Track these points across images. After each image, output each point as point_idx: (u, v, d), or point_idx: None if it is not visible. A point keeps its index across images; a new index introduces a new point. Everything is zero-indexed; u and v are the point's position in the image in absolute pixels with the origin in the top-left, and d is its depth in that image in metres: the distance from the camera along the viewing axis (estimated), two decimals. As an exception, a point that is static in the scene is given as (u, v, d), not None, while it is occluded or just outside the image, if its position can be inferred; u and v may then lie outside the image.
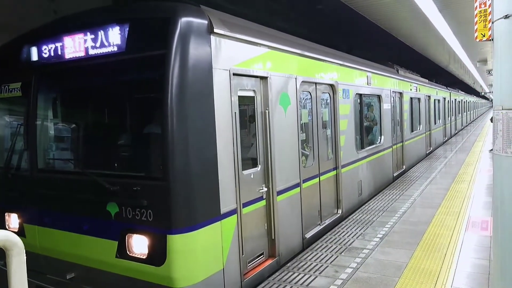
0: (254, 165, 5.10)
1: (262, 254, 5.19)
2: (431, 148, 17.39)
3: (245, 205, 4.79)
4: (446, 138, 21.99)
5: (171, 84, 3.79)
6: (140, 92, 4.36)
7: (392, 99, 11.41)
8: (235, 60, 4.61)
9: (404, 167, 12.59)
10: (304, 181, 6.20)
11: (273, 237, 5.29)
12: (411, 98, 13.70)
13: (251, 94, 5.06)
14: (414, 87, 14.07)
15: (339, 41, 13.08)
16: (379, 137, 10.32)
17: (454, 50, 18.39)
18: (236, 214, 4.53)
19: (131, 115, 4.53)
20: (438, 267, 5.18)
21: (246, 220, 4.79)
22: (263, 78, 5.20)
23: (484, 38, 3.74)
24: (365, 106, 9.55)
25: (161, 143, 3.84)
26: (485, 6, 3.73)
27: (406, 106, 12.89)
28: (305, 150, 6.53)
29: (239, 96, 4.73)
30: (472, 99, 44.73)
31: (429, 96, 16.68)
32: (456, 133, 27.07)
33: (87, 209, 4.39)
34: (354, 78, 8.38)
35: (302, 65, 6.20)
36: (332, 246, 6.15)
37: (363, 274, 5.11)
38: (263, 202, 5.19)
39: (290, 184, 5.73)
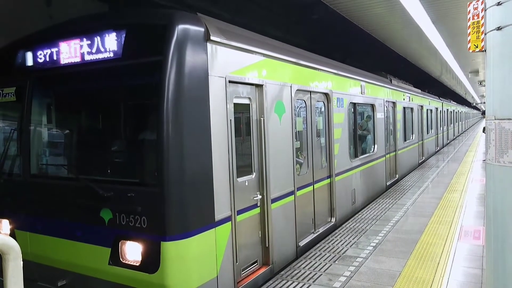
0: (249, 172, 5.10)
1: (256, 262, 5.17)
2: (424, 158, 17.51)
3: (240, 212, 4.78)
4: (438, 148, 22.18)
5: (167, 90, 3.79)
6: (135, 98, 4.35)
7: (385, 108, 11.50)
8: (231, 67, 4.63)
9: (397, 176, 12.66)
10: (298, 189, 6.21)
11: (267, 245, 5.28)
12: (404, 108, 13.82)
13: (246, 101, 5.08)
14: (407, 97, 14.20)
15: (334, 50, 13.22)
16: (373, 146, 10.38)
17: (446, 61, 18.64)
18: (230, 222, 4.52)
19: (126, 121, 4.52)
20: (431, 276, 5.20)
21: (240, 228, 4.78)
22: (259, 86, 5.22)
23: (477, 49, 3.79)
24: (359, 115, 9.61)
25: (156, 150, 3.83)
26: (478, 18, 3.78)
27: (399, 116, 13.00)
28: (299, 158, 6.55)
29: (234, 104, 4.74)
30: (463, 109, 45.21)
31: (421, 106, 16.84)
32: (448, 143, 27.30)
33: (80, 216, 4.35)
34: (348, 87, 8.45)
35: (297, 74, 6.24)
36: (325, 254, 6.14)
37: (357, 283, 5.11)
38: (257, 210, 5.18)
39: (284, 192, 5.73)
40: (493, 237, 3.44)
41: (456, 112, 33.91)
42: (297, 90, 6.17)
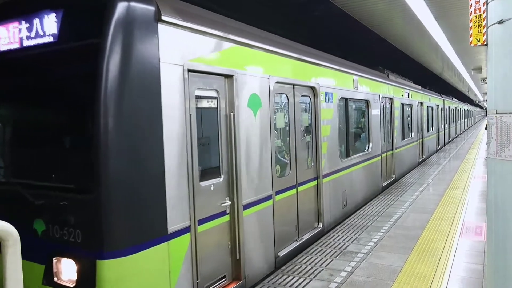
0: (216, 175, 4.47)
1: (224, 277, 4.54)
2: (424, 156, 16.83)
3: (203, 221, 4.16)
4: (439, 146, 21.47)
5: (105, 78, 3.18)
6: (71, 89, 3.71)
7: (382, 104, 10.86)
8: (191, 54, 4.00)
9: (395, 176, 12.00)
10: (278, 192, 5.58)
11: (237, 257, 4.65)
12: (403, 105, 13.16)
13: (212, 94, 4.45)
14: (405, 93, 13.54)
15: (333, 46, 12.70)
16: (367, 145, 9.73)
17: (448, 57, 18.11)
18: (189, 233, 3.89)
19: (62, 115, 3.87)
20: (433, 271, 5.13)
21: (204, 239, 4.16)
22: (228, 77, 4.59)
23: (479, 43, 3.81)
24: (351, 111, 8.96)
25: (91, 150, 3.22)
26: (480, 11, 3.78)
27: (397, 113, 12.34)
28: (280, 158, 5.93)
29: (197, 96, 4.12)
30: (466, 107, 44.43)
31: (421, 103, 16.16)
32: (450, 141, 26.59)
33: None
34: (339, 81, 7.80)
35: (276, 64, 5.60)
36: (327, 249, 5.86)
37: (358, 278, 4.97)
38: (226, 218, 4.55)
39: (260, 197, 5.10)
40: (494, 232, 3.42)
41: (458, 109, 33.16)
42: (276, 82, 5.54)
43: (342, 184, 7.89)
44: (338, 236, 6.65)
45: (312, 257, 5.73)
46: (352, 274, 5.11)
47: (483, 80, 28.14)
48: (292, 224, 6.08)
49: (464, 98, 50.00)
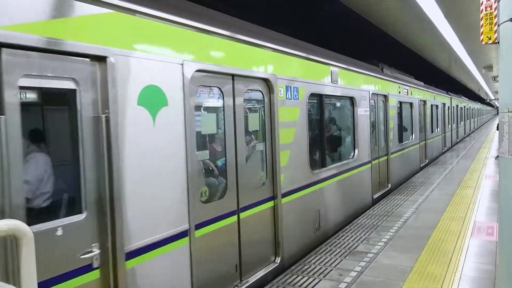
0: (71, 210, 2.90)
1: None
2: (427, 161, 15.08)
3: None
4: (446, 148, 19.66)
5: None
6: None
7: (373, 102, 9.23)
8: (5, 18, 2.45)
9: (390, 185, 10.33)
10: (202, 225, 4.00)
11: (116, 331, 3.08)
12: (400, 103, 11.49)
13: (67, 85, 2.87)
14: (404, 90, 11.85)
15: (328, 38, 11.37)
16: (352, 151, 8.09)
17: (458, 55, 16.78)
18: None
19: None
20: (443, 271, 5.04)
21: None
22: (99, 59, 3.02)
23: (490, 41, 3.74)
24: (329, 111, 7.34)
25: None
26: (491, 9, 3.76)
27: (393, 112, 10.67)
28: (210, 176, 4.37)
29: (22, 88, 2.57)
30: (476, 105, 42.34)
31: (424, 101, 14.44)
32: (458, 142, 24.71)
33: None
34: (308, 73, 6.18)
35: (200, 46, 4.02)
36: (336, 249, 5.81)
37: (368, 278, 4.84)
38: (92, 275, 2.97)
39: (164, 235, 3.52)
40: (506, 232, 3.40)
41: (467, 108, 31.19)
42: (198, 70, 3.96)
43: (314, 202, 6.27)
44: (348, 236, 6.16)
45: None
46: (362, 274, 5.00)
47: (494, 78, 26.58)
48: (230, 264, 4.49)
49: (474, 96, 47.97)
